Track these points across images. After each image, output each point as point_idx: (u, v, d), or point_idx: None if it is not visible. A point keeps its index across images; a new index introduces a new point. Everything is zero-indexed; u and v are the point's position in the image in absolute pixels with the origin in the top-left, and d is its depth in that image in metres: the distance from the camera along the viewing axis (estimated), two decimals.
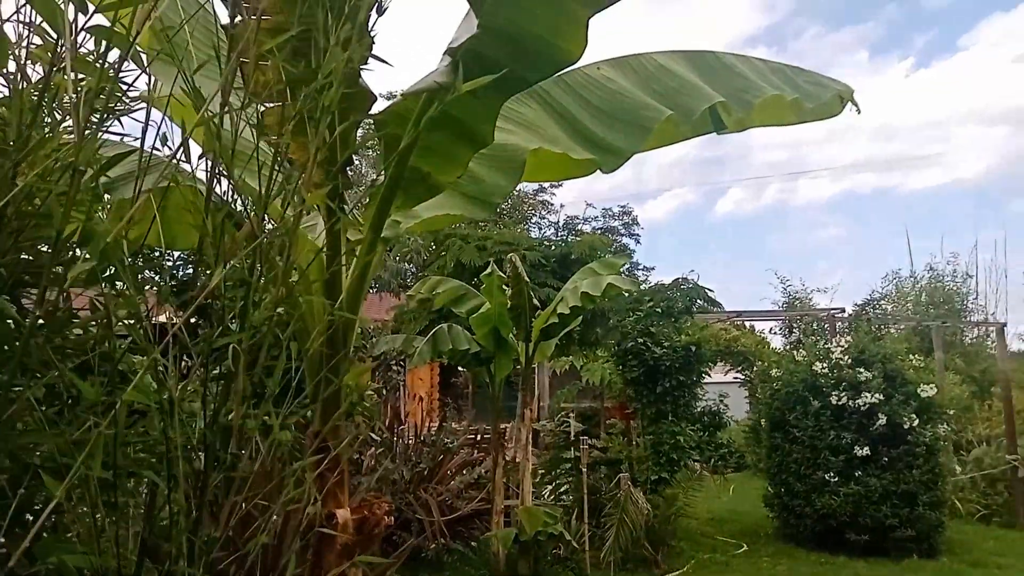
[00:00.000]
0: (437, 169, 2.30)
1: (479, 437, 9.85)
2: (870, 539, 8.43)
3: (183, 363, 1.59)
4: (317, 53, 1.50)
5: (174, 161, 1.52)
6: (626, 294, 8.46)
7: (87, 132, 1.18)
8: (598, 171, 2.77)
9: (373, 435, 7.58)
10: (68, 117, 1.54)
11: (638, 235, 23.65)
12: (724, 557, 8.48)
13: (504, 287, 7.18)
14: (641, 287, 10.81)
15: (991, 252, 24.93)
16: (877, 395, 8.57)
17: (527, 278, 7.08)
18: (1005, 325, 12.13)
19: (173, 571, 1.54)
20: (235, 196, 1.58)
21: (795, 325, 15.71)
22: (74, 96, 1.21)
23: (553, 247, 12.00)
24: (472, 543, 7.96)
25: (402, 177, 2.22)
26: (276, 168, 1.52)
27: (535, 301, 7.56)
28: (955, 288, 20.06)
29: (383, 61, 1.75)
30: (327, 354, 2.17)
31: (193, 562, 1.52)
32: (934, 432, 8.64)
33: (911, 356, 9.45)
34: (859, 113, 3.09)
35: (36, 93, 1.51)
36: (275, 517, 1.79)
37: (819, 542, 8.76)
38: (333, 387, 2.03)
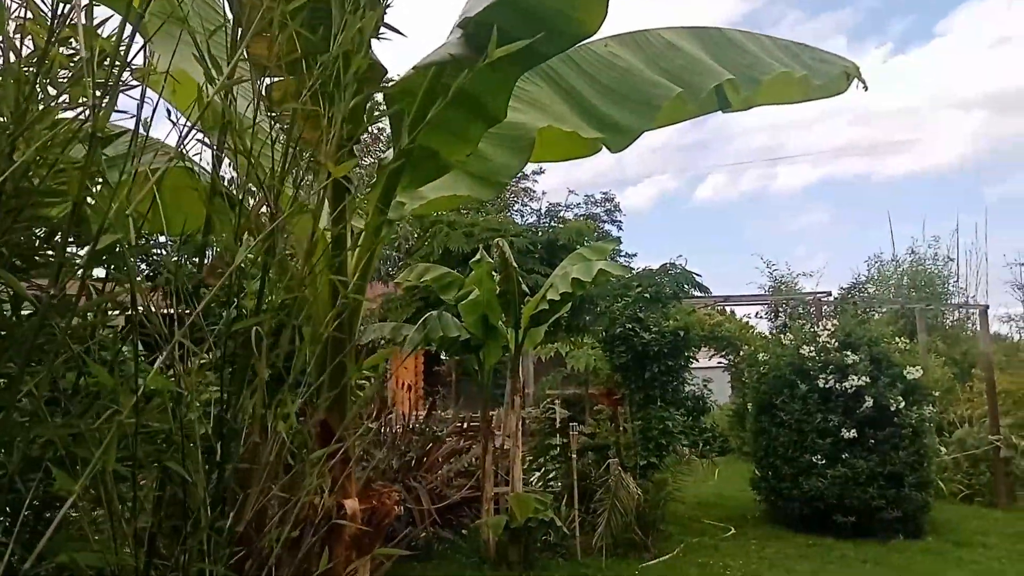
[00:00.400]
0: (447, 147, 2.21)
1: (466, 425, 9.79)
2: (857, 521, 8.49)
3: (183, 352, 1.52)
4: (332, 21, 1.43)
5: (174, 142, 1.44)
6: (614, 280, 8.42)
7: (100, 100, 1.10)
8: (604, 149, 2.71)
9: (369, 424, 7.50)
10: (66, 92, 1.46)
11: (620, 221, 23.71)
12: (713, 540, 8.51)
13: (493, 273, 7.11)
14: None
15: (971, 236, 25.25)
16: (864, 378, 8.61)
17: (515, 264, 7.02)
18: (988, 307, 12.24)
19: (189, 565, 1.47)
20: (246, 174, 1.51)
21: (781, 309, 15.78)
22: (86, 54, 1.11)
23: (540, 233, 11.93)
24: (462, 531, 7.93)
25: (410, 155, 2.14)
26: (292, 146, 1.44)
27: (524, 287, 7.50)
28: (936, 271, 20.27)
29: (396, 31, 1.67)
30: (335, 341, 2.09)
31: (210, 555, 1.45)
32: (920, 414, 8.70)
33: (897, 339, 9.50)
34: (866, 90, 3.06)
35: (32, 65, 1.43)
36: (288, 509, 1.73)
37: (806, 524, 8.80)
38: (347, 376, 1.95)
